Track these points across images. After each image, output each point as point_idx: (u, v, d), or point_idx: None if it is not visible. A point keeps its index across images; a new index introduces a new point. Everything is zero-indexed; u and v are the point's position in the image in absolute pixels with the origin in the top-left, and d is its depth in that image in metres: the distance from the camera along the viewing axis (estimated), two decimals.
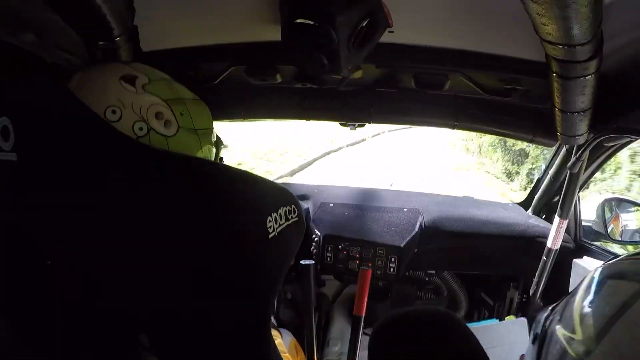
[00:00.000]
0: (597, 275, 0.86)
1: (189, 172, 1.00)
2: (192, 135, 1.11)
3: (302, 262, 2.33)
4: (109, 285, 0.90)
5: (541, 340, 0.96)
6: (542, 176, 2.68)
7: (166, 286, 0.92)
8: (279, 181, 3.34)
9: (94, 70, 1.08)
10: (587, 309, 0.81)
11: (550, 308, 1.01)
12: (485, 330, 2.26)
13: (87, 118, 0.92)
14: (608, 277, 0.83)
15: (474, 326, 2.28)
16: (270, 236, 1.05)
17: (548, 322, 0.97)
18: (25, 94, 0.90)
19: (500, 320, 2.61)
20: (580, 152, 1.91)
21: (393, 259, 2.46)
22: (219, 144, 1.27)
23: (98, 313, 0.91)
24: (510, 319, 2.51)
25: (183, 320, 0.96)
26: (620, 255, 0.93)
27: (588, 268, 2.29)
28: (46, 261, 0.87)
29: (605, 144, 2.02)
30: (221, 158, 1.32)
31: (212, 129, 1.20)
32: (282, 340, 1.63)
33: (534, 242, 2.51)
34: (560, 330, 0.87)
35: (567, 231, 2.45)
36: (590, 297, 0.82)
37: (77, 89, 0.98)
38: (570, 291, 1.00)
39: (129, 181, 0.92)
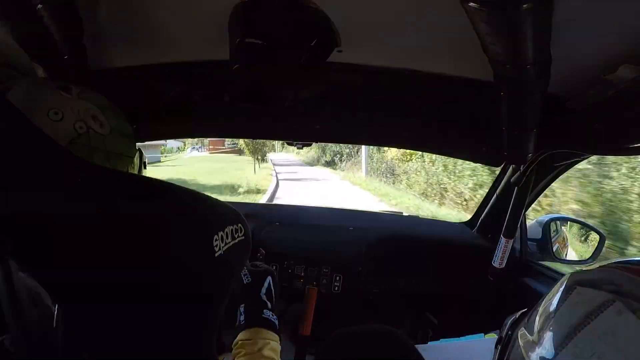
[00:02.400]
0: (567, 280, 0.85)
1: (133, 188, 1.02)
2: (123, 137, 1.18)
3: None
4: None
5: (504, 343, 0.97)
6: (488, 195, 2.70)
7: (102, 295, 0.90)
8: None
9: (32, 82, 1.15)
10: (552, 315, 0.80)
11: (519, 313, 1.01)
12: (448, 349, 2.25)
13: (21, 123, 0.93)
14: (578, 283, 0.82)
15: (440, 344, 2.28)
16: (216, 255, 1.04)
17: (514, 327, 0.96)
18: None
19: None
20: (525, 167, 1.93)
21: (338, 278, 2.47)
22: (141, 152, 1.35)
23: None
24: (491, 336, 2.50)
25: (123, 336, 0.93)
26: (594, 262, 0.94)
27: (533, 286, 2.32)
28: None
29: (553, 163, 2.05)
30: (144, 162, 1.39)
31: (133, 135, 1.26)
32: None
33: (479, 262, 2.53)
34: (523, 335, 0.87)
35: (513, 250, 2.47)
36: (556, 302, 0.82)
37: (18, 98, 1.02)
38: (517, 311, 1.00)
39: (63, 189, 0.92)
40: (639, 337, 0.66)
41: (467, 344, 2.16)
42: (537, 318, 0.84)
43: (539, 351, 0.78)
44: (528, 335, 0.85)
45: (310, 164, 38.39)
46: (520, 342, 0.86)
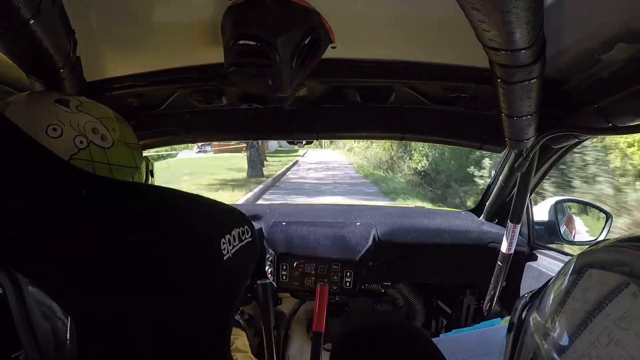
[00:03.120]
0: (577, 261, 0.83)
1: (137, 196, 1.02)
2: (126, 148, 1.17)
3: (258, 281, 2.32)
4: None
5: (517, 330, 0.95)
6: (493, 182, 2.70)
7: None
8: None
9: (29, 98, 1.13)
10: (564, 300, 0.78)
11: (529, 296, 1.00)
12: (462, 340, 2.24)
13: (22, 140, 0.94)
14: (588, 265, 0.79)
15: (450, 336, 2.27)
16: (225, 258, 1.05)
17: (525, 311, 0.95)
18: None
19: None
20: (527, 152, 1.92)
21: (348, 274, 2.46)
22: (148, 160, 1.33)
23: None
24: (506, 322, 2.48)
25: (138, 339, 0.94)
26: (602, 241, 0.91)
27: (543, 270, 2.32)
28: None
29: (554, 146, 2.04)
30: (151, 171, 1.36)
31: (138, 144, 1.25)
32: None
33: (488, 248, 2.54)
34: (536, 322, 0.85)
35: (520, 235, 2.47)
36: (567, 286, 0.79)
37: (15, 114, 1.02)
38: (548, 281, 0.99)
39: (66, 202, 0.92)
40: None
41: (483, 333, 2.15)
42: (549, 302, 0.83)
43: (554, 338, 0.76)
44: (540, 320, 0.83)
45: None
46: (533, 328, 0.85)
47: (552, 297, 0.83)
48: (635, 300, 0.65)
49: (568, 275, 0.82)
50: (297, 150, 40.71)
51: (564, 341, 0.73)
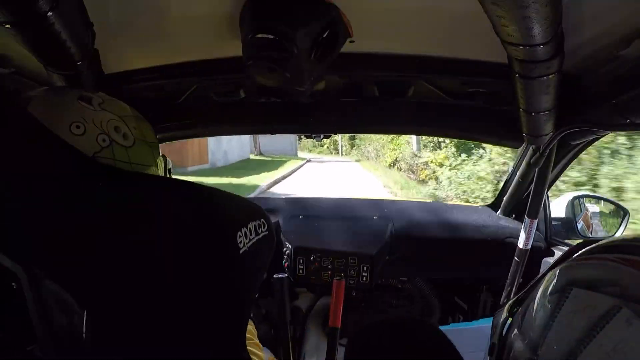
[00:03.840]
0: (559, 277, 0.80)
1: (156, 188, 1.04)
2: (146, 146, 1.17)
3: (275, 275, 2.32)
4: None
5: (499, 352, 0.92)
6: (510, 177, 2.69)
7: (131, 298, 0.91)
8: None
9: (52, 94, 1.13)
10: (550, 324, 0.74)
11: (506, 309, 0.98)
12: (469, 332, 2.24)
13: (48, 138, 0.95)
14: (573, 283, 0.75)
15: (456, 328, 2.27)
16: (241, 251, 1.05)
17: (505, 330, 0.93)
18: None
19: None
20: (544, 147, 1.92)
21: (365, 268, 2.45)
22: (165, 158, 1.34)
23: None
24: None
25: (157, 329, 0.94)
26: (583, 247, 0.87)
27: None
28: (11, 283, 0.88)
29: (571, 142, 2.04)
30: (169, 169, 1.39)
31: (157, 143, 1.26)
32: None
33: (505, 244, 2.53)
34: (518, 347, 0.81)
35: (538, 230, 2.46)
36: (552, 306, 0.75)
37: (39, 110, 1.02)
38: (527, 290, 0.97)
39: (90, 197, 0.93)
40: None
41: (477, 329, 2.15)
42: (533, 324, 0.80)
43: None
44: (524, 345, 0.80)
45: None
46: (517, 353, 0.82)
47: (535, 318, 0.80)
48: (629, 328, 0.62)
49: (551, 293, 0.78)
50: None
51: None
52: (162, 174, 1.30)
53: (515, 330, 0.85)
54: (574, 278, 0.77)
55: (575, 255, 0.85)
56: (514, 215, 2.77)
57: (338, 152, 37.92)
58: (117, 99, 1.19)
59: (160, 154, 1.29)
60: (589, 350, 0.65)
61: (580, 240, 2.54)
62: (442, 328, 2.16)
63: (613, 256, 0.73)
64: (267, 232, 1.16)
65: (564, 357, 0.68)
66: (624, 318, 0.63)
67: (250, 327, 1.56)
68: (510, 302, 0.99)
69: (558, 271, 0.82)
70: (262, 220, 1.16)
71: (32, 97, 1.07)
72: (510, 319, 0.93)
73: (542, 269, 2.42)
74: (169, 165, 1.37)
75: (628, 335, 0.62)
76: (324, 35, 1.41)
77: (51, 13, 1.09)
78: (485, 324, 2.17)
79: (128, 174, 1.08)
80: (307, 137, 2.37)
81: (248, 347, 1.41)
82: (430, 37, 1.62)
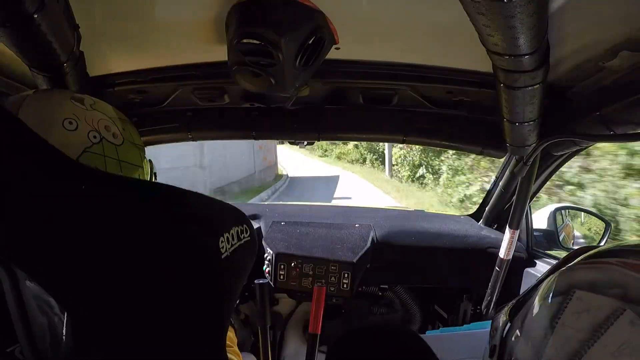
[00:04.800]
0: (561, 279, 0.80)
1: (144, 194, 1.01)
2: (134, 148, 1.20)
3: (255, 281, 2.32)
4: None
5: (500, 355, 0.91)
6: (493, 187, 2.70)
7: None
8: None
9: (45, 93, 1.16)
10: (553, 326, 0.73)
11: (507, 313, 0.98)
12: (450, 340, 2.24)
13: (31, 141, 0.92)
14: (576, 285, 0.75)
15: (436, 334, 2.27)
16: (222, 257, 1.04)
17: (505, 332, 0.93)
18: None
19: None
20: (527, 157, 1.92)
21: (346, 275, 2.44)
22: (151, 162, 1.36)
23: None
24: None
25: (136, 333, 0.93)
26: (583, 252, 0.88)
27: (539, 276, 2.32)
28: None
29: (555, 153, 2.05)
30: (155, 173, 1.39)
31: (143, 146, 1.28)
32: None
33: (486, 253, 2.53)
34: (521, 348, 0.81)
35: (519, 241, 2.47)
36: (553, 309, 0.75)
37: (32, 108, 1.07)
38: (525, 294, 0.97)
39: (69, 200, 0.91)
40: None
41: (471, 334, 2.15)
42: (535, 326, 0.80)
43: None
44: (526, 347, 0.80)
45: None
46: (519, 355, 0.81)
47: (538, 321, 0.80)
48: (633, 330, 0.63)
49: (553, 296, 0.78)
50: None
51: None
52: (148, 177, 1.31)
53: (517, 333, 0.85)
54: (576, 281, 0.77)
55: (575, 260, 0.85)
56: (495, 226, 2.78)
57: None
58: (107, 104, 1.21)
59: (147, 158, 1.30)
60: (593, 351, 0.65)
61: (561, 252, 2.56)
62: (431, 333, 2.17)
63: (615, 260, 0.74)
64: (249, 238, 1.15)
65: (568, 357, 0.68)
66: (628, 320, 0.63)
67: (231, 334, 1.56)
68: (510, 305, 0.99)
69: (558, 274, 0.82)
70: (245, 225, 1.15)
71: (25, 96, 1.09)
72: (509, 323, 0.92)
73: (524, 279, 2.44)
74: (154, 169, 1.37)
75: (632, 337, 0.62)
76: (310, 42, 1.40)
77: (37, 15, 1.09)
78: (476, 329, 2.16)
79: (113, 177, 1.06)
80: (290, 144, 2.36)
81: (228, 355, 1.40)
82: (416, 45, 1.62)
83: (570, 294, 0.74)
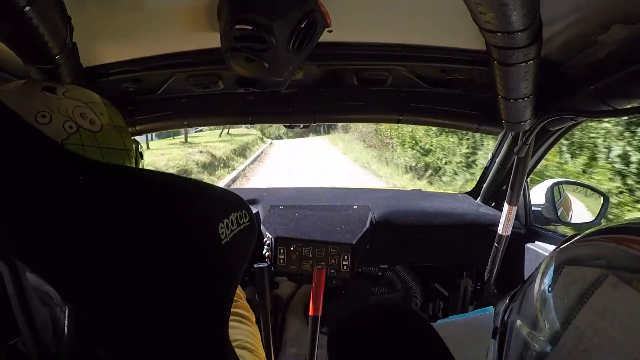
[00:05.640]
0: (552, 261, 0.84)
1: (133, 181, 1.00)
2: (115, 130, 1.17)
3: (255, 265, 2.33)
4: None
5: (502, 334, 0.96)
6: (490, 164, 2.70)
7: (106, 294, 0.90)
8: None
9: (18, 87, 1.13)
10: (545, 300, 0.79)
11: (508, 298, 1.00)
12: (456, 326, 2.25)
13: (19, 125, 0.92)
14: (565, 262, 0.80)
15: (444, 322, 2.28)
16: (223, 242, 1.04)
17: (507, 314, 0.96)
18: None
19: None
20: (526, 136, 1.93)
21: (346, 257, 2.45)
22: (137, 143, 1.31)
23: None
24: None
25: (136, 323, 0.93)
26: (573, 237, 0.91)
27: (540, 252, 2.33)
28: None
29: (550, 128, 2.05)
30: (140, 153, 1.36)
31: (126, 127, 1.24)
32: None
33: (485, 230, 2.54)
34: (520, 324, 0.86)
35: (518, 217, 2.49)
36: (547, 285, 0.80)
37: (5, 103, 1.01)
38: (526, 277, 0.99)
39: (61, 188, 0.90)
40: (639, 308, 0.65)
41: (475, 319, 2.16)
42: (531, 302, 0.84)
43: (541, 338, 0.76)
44: (525, 321, 0.84)
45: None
46: (519, 330, 0.86)
47: (533, 298, 0.84)
48: (616, 291, 0.67)
49: (546, 275, 0.83)
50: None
51: (552, 339, 0.73)
52: (134, 158, 1.29)
53: (516, 313, 0.89)
54: (565, 259, 0.82)
55: (566, 243, 0.88)
56: (493, 203, 2.80)
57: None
58: (82, 88, 1.19)
59: (132, 138, 1.28)
60: (581, 315, 0.69)
61: (560, 226, 2.57)
62: (442, 322, 2.18)
63: (599, 237, 0.78)
64: (248, 223, 1.15)
65: (558, 325, 0.72)
66: (611, 284, 0.67)
67: (238, 290, 1.56)
68: (512, 292, 1.02)
69: (549, 258, 0.86)
70: (244, 211, 1.15)
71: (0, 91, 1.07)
72: (510, 306, 0.96)
73: (526, 255, 2.45)
74: (140, 149, 1.35)
75: (614, 297, 0.67)
76: (302, 26, 1.40)
77: (28, 7, 1.08)
78: (483, 313, 2.17)
79: (104, 165, 1.07)
80: (286, 127, 2.36)
81: (236, 309, 1.42)
82: (409, 25, 1.62)
83: (559, 271, 0.79)
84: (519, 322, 0.86)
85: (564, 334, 0.71)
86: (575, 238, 0.87)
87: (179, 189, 1.05)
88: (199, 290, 1.01)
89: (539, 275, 0.85)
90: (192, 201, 1.06)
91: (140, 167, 1.32)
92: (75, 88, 1.16)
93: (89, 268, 0.89)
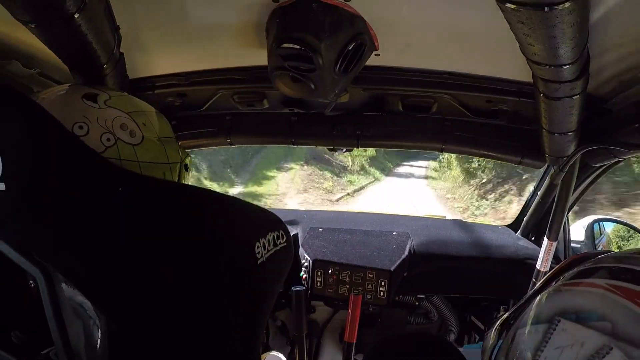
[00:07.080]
0: (544, 307, 0.77)
1: (172, 197, 1.01)
2: (156, 143, 1.14)
3: (292, 288, 2.32)
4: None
5: None
6: (531, 198, 2.68)
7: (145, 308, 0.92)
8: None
9: (58, 93, 1.10)
10: (537, 357, 0.71)
11: (493, 333, 0.95)
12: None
13: (62, 136, 0.94)
14: (559, 313, 0.72)
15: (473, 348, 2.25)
16: (259, 262, 1.04)
17: (494, 354, 0.89)
18: (7, 125, 0.91)
19: None
20: (564, 164, 1.90)
21: (383, 283, 2.43)
22: (187, 154, 1.29)
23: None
24: None
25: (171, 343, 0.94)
26: (577, 261, 0.84)
27: None
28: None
29: (593, 164, 2.02)
30: (186, 165, 1.30)
31: (173, 137, 1.22)
32: None
33: (523, 265, 2.50)
34: None
35: (557, 253, 2.44)
36: (537, 340, 0.72)
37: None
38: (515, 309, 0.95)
39: (100, 199, 0.92)
40: None
41: None
42: (520, 353, 0.76)
43: None
44: None
45: None
46: None
47: (523, 348, 0.76)
48: None
49: (539, 322, 0.75)
50: None
51: None
52: (178, 171, 1.24)
53: (504, 358, 0.83)
54: (561, 307, 0.73)
55: (564, 275, 0.83)
56: (533, 237, 2.75)
57: None
58: (127, 94, 1.17)
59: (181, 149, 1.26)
60: None
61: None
62: (468, 348, 2.14)
63: (603, 282, 0.70)
64: (285, 244, 1.15)
65: None
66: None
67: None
68: (497, 325, 0.97)
69: (546, 296, 0.79)
70: (281, 231, 1.15)
71: (39, 98, 1.07)
72: (499, 342, 0.91)
73: None
74: (186, 161, 1.29)
75: None
76: (350, 48, 1.41)
77: (78, 14, 1.09)
78: None
79: (143, 179, 1.06)
80: (329, 150, 2.36)
81: None
82: (456, 53, 1.62)
83: (554, 323, 0.71)
84: None
85: None
86: (578, 269, 0.80)
87: (216, 205, 1.05)
88: (234, 309, 1.02)
89: (531, 316, 0.78)
90: (230, 219, 1.06)
91: (184, 180, 1.28)
92: (118, 95, 1.14)
93: (125, 282, 0.90)
